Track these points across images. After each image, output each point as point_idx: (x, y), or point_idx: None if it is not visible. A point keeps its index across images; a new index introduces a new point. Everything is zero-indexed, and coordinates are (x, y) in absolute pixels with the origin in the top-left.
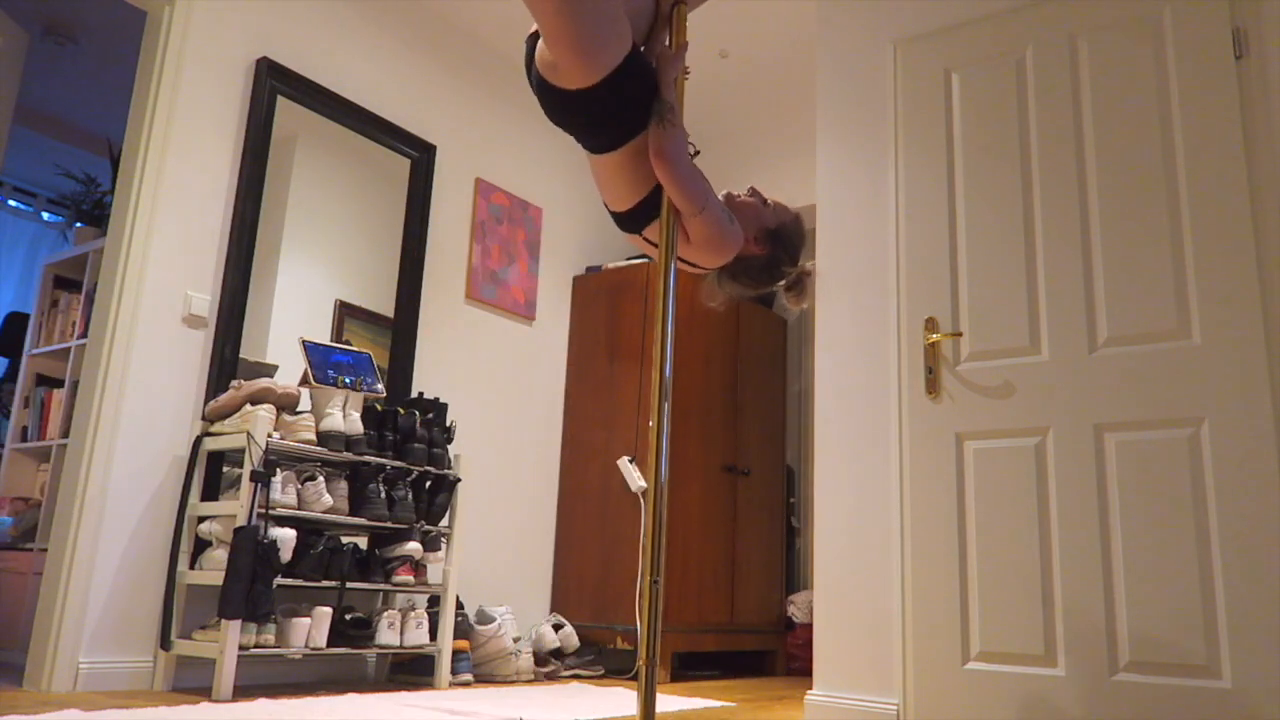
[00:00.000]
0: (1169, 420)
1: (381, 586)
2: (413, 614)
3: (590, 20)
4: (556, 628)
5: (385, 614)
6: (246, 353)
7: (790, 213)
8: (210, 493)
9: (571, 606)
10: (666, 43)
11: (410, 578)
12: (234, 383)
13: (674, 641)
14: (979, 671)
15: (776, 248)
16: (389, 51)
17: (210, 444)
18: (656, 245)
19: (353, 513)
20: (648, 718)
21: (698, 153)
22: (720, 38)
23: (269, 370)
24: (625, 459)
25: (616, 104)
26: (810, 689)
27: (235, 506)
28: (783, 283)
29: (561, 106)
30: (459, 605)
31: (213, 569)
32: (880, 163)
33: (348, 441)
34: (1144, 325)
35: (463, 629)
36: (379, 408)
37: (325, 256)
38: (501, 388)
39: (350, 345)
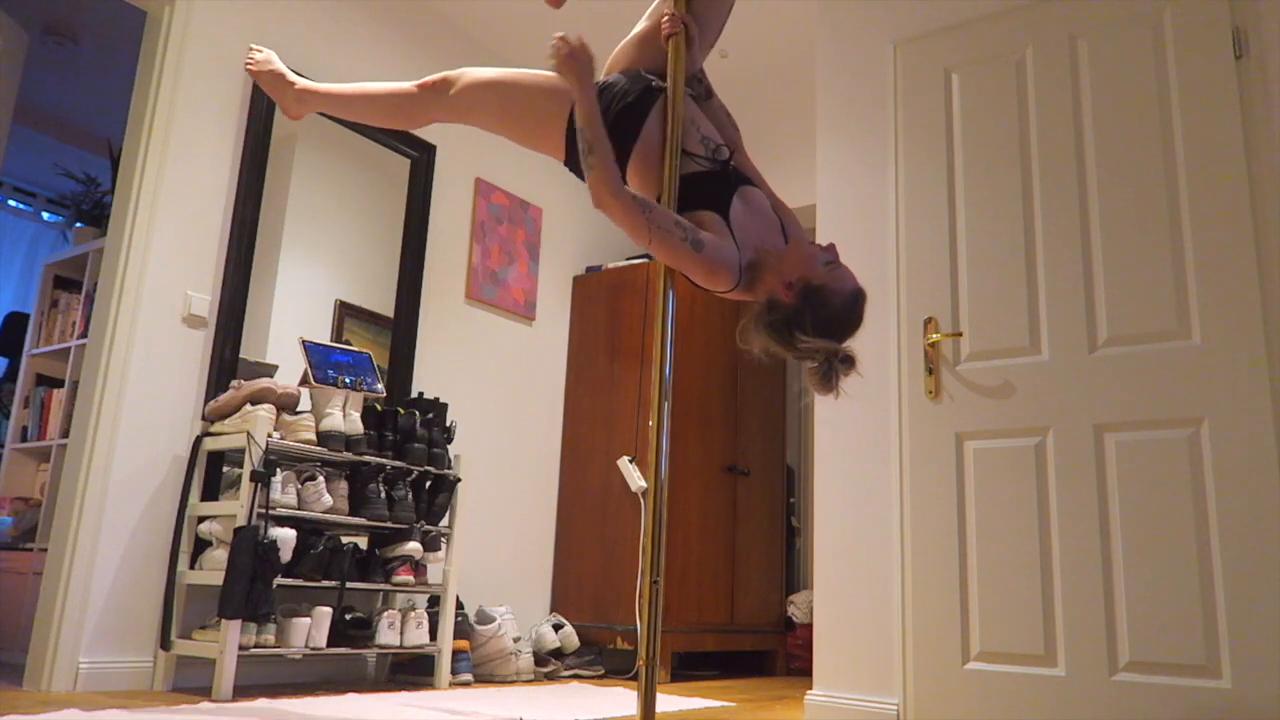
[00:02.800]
0: (1169, 420)
1: (381, 586)
2: (413, 614)
3: (518, 120)
4: (556, 628)
5: (385, 614)
6: (246, 353)
7: (848, 284)
8: (210, 493)
9: (571, 606)
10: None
11: (410, 578)
12: (234, 383)
13: (674, 641)
14: (979, 671)
15: (805, 304)
16: (389, 51)
17: (210, 444)
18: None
19: (353, 513)
20: (648, 718)
21: (732, 152)
22: (720, 38)
23: (269, 370)
24: (625, 459)
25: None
26: (810, 689)
27: (235, 506)
28: (808, 358)
29: (577, 173)
30: (459, 605)
31: (213, 569)
32: (880, 163)
33: (348, 441)
34: (1144, 325)
35: (463, 629)
36: (379, 408)
37: (325, 256)
38: (501, 388)
39: (350, 345)
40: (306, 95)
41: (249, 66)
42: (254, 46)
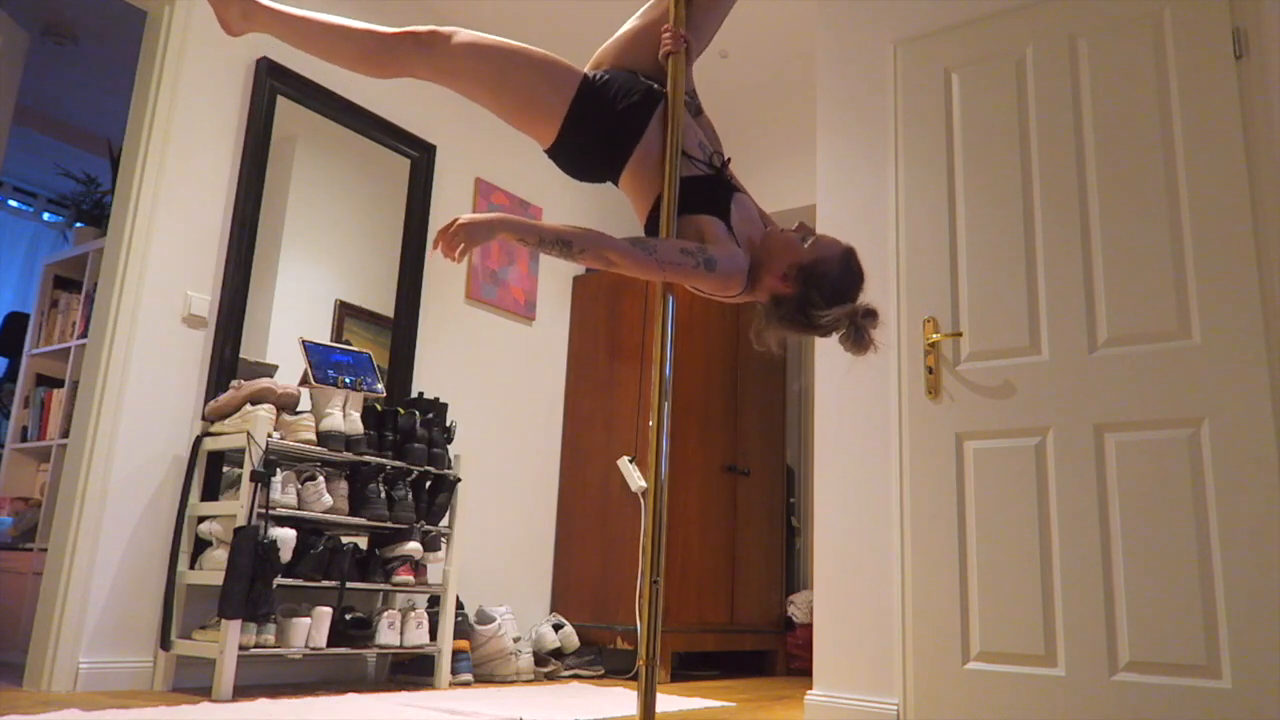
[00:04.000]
0: (1169, 420)
1: (381, 586)
2: (413, 614)
3: (510, 97)
4: (556, 628)
5: (385, 614)
6: (246, 353)
7: (834, 249)
8: (210, 493)
9: (571, 606)
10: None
11: (410, 578)
12: (234, 383)
13: (674, 641)
14: (979, 671)
15: (808, 286)
16: None
17: (210, 444)
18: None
19: (353, 513)
20: (648, 718)
21: (728, 160)
22: (720, 38)
23: (269, 370)
24: (625, 459)
25: (584, 140)
26: (810, 689)
27: (235, 506)
28: (833, 330)
29: (558, 161)
30: (459, 605)
31: (213, 569)
32: (880, 163)
33: (348, 441)
34: (1144, 325)
35: (463, 629)
36: (379, 408)
37: (325, 256)
38: (501, 388)
39: (350, 345)
40: (255, 11)
41: None
42: None
